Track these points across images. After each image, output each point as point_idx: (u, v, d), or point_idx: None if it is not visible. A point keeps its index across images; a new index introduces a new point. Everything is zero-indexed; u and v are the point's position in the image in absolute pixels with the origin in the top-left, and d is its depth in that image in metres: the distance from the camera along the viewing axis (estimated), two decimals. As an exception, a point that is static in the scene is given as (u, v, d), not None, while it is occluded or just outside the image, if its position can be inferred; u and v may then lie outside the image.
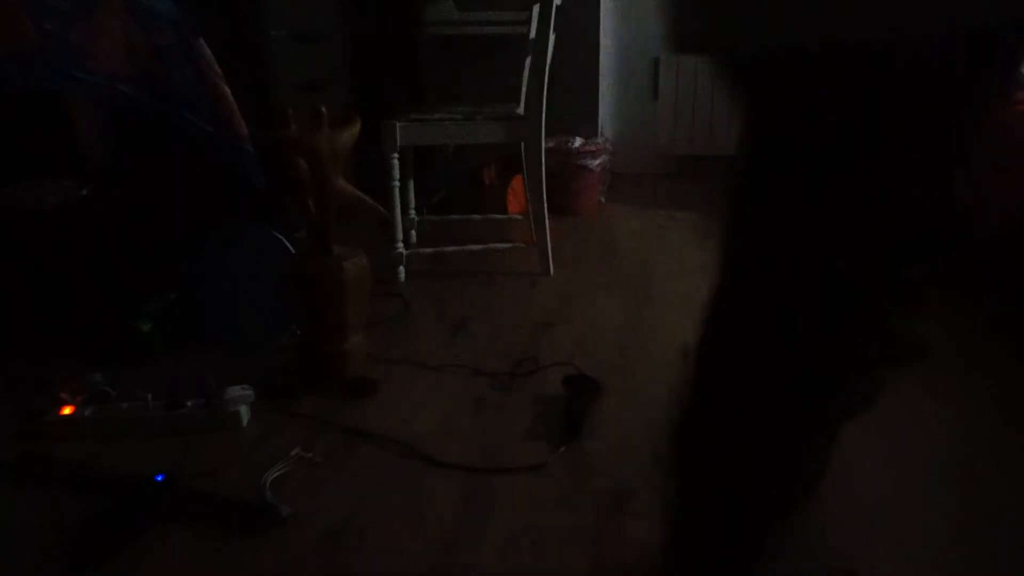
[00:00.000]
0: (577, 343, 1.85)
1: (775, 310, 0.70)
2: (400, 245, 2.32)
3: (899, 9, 0.56)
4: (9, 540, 1.17)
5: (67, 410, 1.46)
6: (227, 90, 1.82)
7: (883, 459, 1.32)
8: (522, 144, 2.45)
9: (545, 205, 2.34)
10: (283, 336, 1.84)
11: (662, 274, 2.38)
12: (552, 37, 2.21)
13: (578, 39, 3.35)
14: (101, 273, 1.80)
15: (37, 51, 1.55)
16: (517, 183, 3.02)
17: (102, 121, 1.91)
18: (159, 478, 1.27)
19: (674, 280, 2.31)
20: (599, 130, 3.50)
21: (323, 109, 1.58)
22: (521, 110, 2.39)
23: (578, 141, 3.16)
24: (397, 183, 2.27)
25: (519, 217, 2.86)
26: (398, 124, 2.22)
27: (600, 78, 3.47)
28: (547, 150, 2.43)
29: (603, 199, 3.32)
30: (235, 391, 1.48)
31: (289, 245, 1.80)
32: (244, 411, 1.48)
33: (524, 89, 2.39)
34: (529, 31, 2.33)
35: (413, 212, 2.63)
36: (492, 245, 2.45)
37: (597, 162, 3.14)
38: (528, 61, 2.33)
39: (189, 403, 1.47)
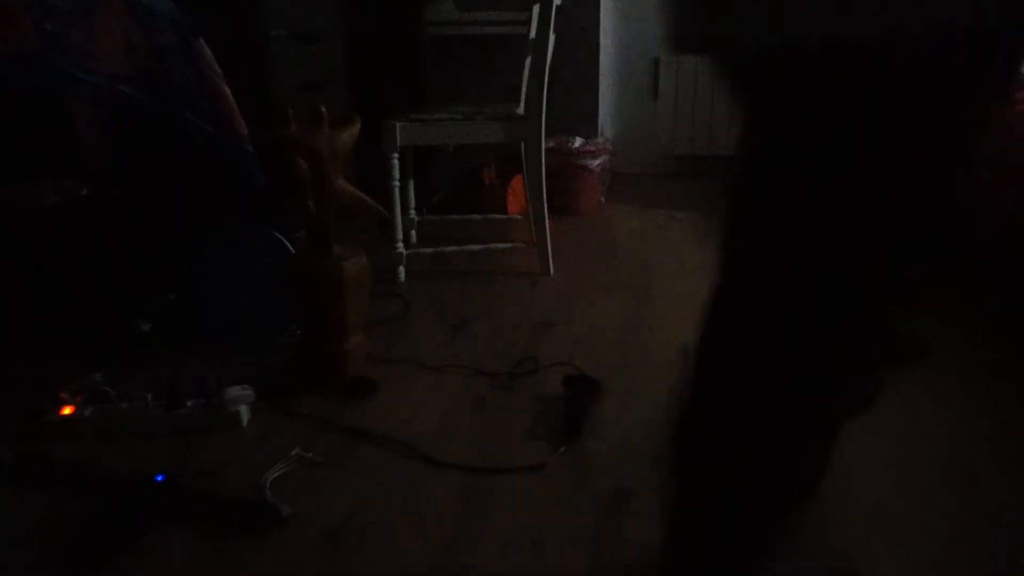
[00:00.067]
0: (577, 343, 1.85)
1: (775, 310, 0.70)
2: (400, 245, 2.32)
3: (899, 9, 0.56)
4: (9, 540, 1.17)
5: (67, 410, 1.46)
6: (227, 90, 1.82)
7: (883, 459, 1.32)
8: (522, 144, 2.45)
9: (545, 205, 2.34)
10: (283, 336, 1.84)
11: (662, 274, 2.38)
12: (552, 37, 2.21)
13: (578, 39, 3.35)
14: (101, 273, 1.80)
15: (37, 51, 1.55)
16: (517, 183, 3.02)
17: (102, 121, 1.91)
18: (159, 478, 1.27)
19: (674, 280, 2.31)
20: (599, 130, 3.50)
21: (323, 109, 1.58)
22: (521, 110, 2.39)
23: (578, 141, 3.16)
24: (397, 183, 2.27)
25: (519, 217, 2.86)
26: (398, 124, 2.22)
27: (600, 78, 3.47)
28: (547, 150, 2.43)
29: (603, 199, 3.32)
30: (235, 391, 1.48)
31: (289, 245, 1.80)
32: (244, 411, 1.49)
33: (524, 89, 2.39)
34: (529, 31, 2.33)
35: (413, 212, 2.63)
36: (492, 245, 2.44)
37: (597, 162, 3.14)
38: (528, 61, 2.33)
39: (189, 403, 1.47)
